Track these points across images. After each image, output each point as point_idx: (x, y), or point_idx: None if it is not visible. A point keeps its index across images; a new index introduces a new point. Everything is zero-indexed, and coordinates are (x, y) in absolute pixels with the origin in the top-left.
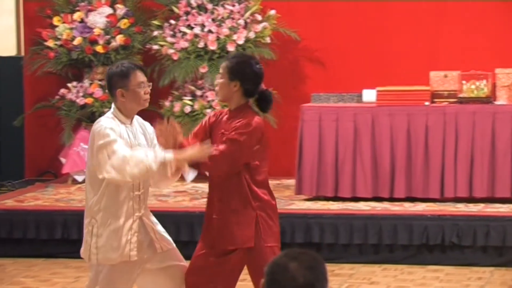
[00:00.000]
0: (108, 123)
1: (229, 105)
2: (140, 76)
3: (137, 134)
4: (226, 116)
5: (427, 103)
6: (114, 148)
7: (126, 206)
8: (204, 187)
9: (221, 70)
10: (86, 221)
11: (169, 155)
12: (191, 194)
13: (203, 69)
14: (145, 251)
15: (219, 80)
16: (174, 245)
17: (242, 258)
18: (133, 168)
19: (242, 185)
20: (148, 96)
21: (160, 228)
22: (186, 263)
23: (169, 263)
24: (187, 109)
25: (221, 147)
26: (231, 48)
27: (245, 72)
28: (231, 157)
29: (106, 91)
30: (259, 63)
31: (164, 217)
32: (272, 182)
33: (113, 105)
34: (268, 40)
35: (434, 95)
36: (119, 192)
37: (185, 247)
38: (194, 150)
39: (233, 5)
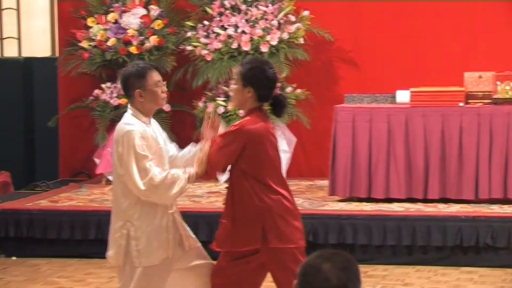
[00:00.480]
0: (134, 127)
1: (243, 110)
2: (156, 75)
3: (157, 133)
4: None
5: (461, 104)
6: (147, 166)
7: (161, 205)
8: None
9: (234, 76)
10: (117, 224)
11: (192, 170)
12: (224, 195)
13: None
14: (176, 249)
15: (233, 86)
16: (199, 243)
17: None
18: (170, 191)
19: (244, 189)
20: (165, 95)
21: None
22: (213, 262)
23: (197, 262)
24: (220, 109)
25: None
26: (264, 49)
27: (258, 77)
28: (210, 157)
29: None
30: (272, 67)
31: (197, 217)
32: (305, 183)
33: (130, 106)
34: (301, 41)
35: (469, 96)
36: None
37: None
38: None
39: (267, 6)
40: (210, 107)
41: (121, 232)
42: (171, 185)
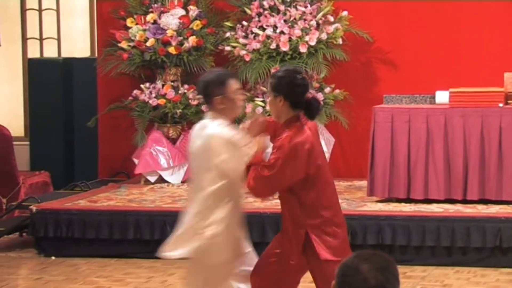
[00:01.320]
0: (228, 132)
1: (280, 120)
2: (236, 83)
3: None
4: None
5: (501, 105)
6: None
7: (239, 204)
8: None
9: (267, 89)
10: (199, 224)
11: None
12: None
13: (274, 70)
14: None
15: (268, 99)
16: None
17: (301, 266)
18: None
19: (291, 206)
20: (243, 103)
21: None
22: None
23: (246, 267)
24: (259, 110)
25: (260, 172)
26: (303, 49)
27: (286, 85)
28: (268, 182)
29: (201, 98)
30: (301, 73)
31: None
32: (343, 184)
33: (210, 113)
34: (340, 41)
35: (508, 97)
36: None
37: (256, 247)
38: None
39: (305, 6)
40: (249, 107)
41: (204, 233)
42: None
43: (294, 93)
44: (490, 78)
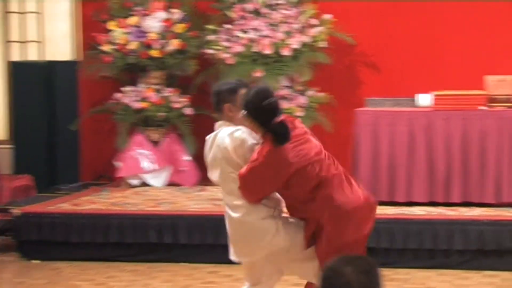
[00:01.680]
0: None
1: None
2: None
3: None
4: None
5: (482, 108)
6: None
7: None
8: None
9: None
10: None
11: None
12: None
13: (257, 74)
14: None
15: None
16: None
17: None
18: None
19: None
20: None
21: None
22: None
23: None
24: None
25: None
26: (286, 52)
27: (253, 109)
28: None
29: (214, 105)
30: (269, 97)
31: (219, 221)
32: None
33: (221, 122)
34: (323, 44)
35: (490, 100)
36: None
37: None
38: None
39: (288, 10)
40: None
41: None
42: None
43: (261, 117)
44: (472, 81)
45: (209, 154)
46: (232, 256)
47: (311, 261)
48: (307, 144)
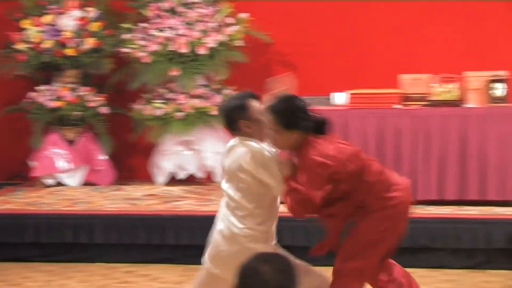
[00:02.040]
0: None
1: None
2: (257, 103)
3: None
4: None
5: (398, 106)
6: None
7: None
8: (175, 190)
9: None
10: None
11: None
12: (163, 197)
13: (173, 72)
14: None
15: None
16: None
17: None
18: None
19: None
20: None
21: None
22: None
23: None
24: (158, 112)
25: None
26: (202, 51)
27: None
28: None
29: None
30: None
31: (135, 220)
32: None
33: (238, 138)
34: (240, 43)
35: (405, 98)
36: None
37: (157, 250)
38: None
39: (204, 8)
40: (148, 109)
41: None
42: None
43: (298, 119)
44: (387, 80)
45: (226, 164)
46: (206, 261)
47: None
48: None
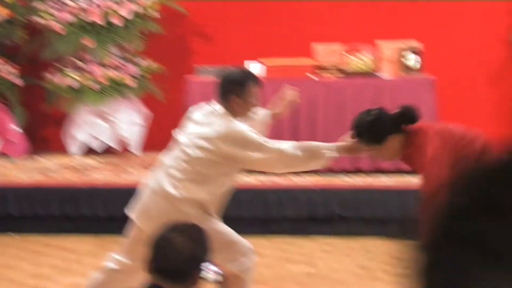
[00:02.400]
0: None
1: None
2: (255, 87)
3: None
4: None
5: (311, 76)
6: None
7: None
8: (92, 162)
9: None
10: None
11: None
12: (78, 170)
13: (87, 43)
14: None
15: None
16: None
17: None
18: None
19: None
20: (253, 110)
21: None
22: None
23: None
24: (72, 82)
25: None
26: (116, 21)
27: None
28: None
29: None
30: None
31: (49, 192)
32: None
33: (221, 107)
34: (155, 14)
35: (319, 68)
36: None
37: (70, 221)
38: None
39: None
40: (61, 79)
41: None
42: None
43: (389, 122)
44: (300, 49)
45: (199, 125)
46: (132, 215)
47: None
48: None
